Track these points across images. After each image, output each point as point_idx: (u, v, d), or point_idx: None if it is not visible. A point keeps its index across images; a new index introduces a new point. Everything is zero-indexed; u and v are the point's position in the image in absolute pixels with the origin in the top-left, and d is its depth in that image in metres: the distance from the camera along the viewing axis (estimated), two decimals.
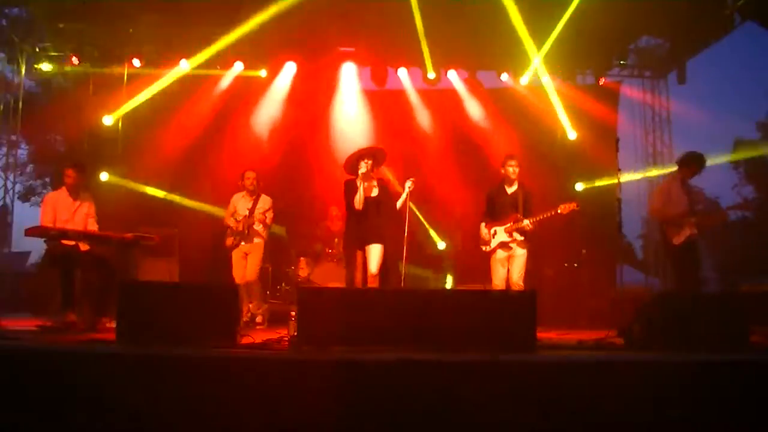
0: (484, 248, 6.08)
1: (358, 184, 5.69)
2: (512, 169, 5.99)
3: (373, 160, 5.80)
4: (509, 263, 5.94)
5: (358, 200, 5.61)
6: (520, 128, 9.89)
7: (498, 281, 5.96)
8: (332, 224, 8.57)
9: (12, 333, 4.54)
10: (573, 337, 4.98)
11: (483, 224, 6.10)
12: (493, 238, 5.98)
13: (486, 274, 6.19)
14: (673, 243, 5.98)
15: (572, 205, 5.80)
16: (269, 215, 6.79)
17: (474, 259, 6.71)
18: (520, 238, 5.91)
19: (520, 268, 5.89)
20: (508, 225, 5.90)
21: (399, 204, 5.81)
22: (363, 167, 5.70)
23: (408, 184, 5.69)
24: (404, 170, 6.57)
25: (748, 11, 8.29)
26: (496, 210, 6.06)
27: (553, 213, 5.80)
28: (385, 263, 5.63)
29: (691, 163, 6.13)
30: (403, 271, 5.80)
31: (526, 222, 5.83)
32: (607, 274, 9.03)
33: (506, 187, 6.07)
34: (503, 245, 5.93)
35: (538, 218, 5.84)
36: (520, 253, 5.91)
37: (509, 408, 3.04)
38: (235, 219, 6.76)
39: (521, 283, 5.87)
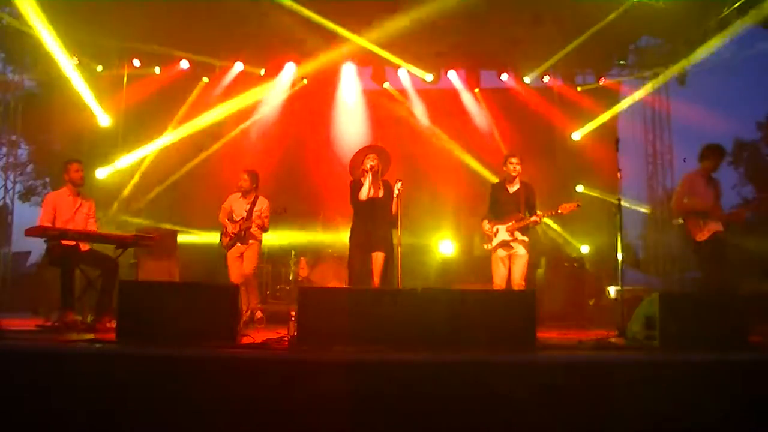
0: (485, 246, 6.07)
1: (364, 178, 5.67)
2: (513, 167, 5.98)
3: (378, 158, 5.77)
4: (510, 262, 5.93)
5: (364, 192, 5.59)
6: (521, 128, 9.92)
7: (499, 280, 5.94)
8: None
9: (12, 333, 4.54)
10: (573, 337, 4.97)
11: (485, 221, 6.09)
12: (495, 236, 5.97)
13: (486, 274, 6.18)
14: (696, 240, 5.80)
15: (572, 205, 5.80)
16: (266, 219, 6.81)
17: (474, 260, 6.72)
18: (522, 237, 5.90)
19: (522, 268, 5.89)
20: (510, 224, 5.90)
21: (393, 208, 5.73)
22: (368, 163, 5.71)
23: (397, 186, 5.59)
24: (403, 171, 6.51)
25: (748, 11, 8.29)
26: (498, 208, 6.05)
27: (553, 213, 5.83)
28: (386, 270, 5.64)
29: (710, 155, 5.99)
30: (399, 273, 5.76)
31: (530, 219, 5.84)
32: (607, 274, 9.03)
33: (508, 185, 6.05)
34: (504, 244, 5.92)
35: (536, 218, 5.85)
36: (522, 254, 5.90)
37: (509, 408, 3.04)
38: (233, 220, 6.76)
39: (522, 283, 5.86)
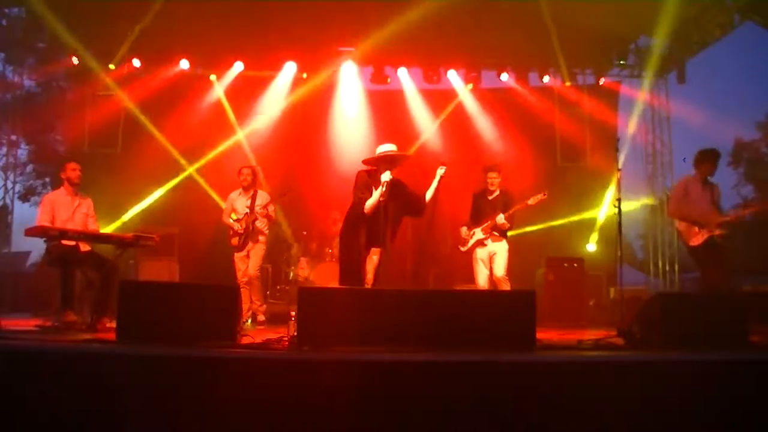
0: (461, 248, 6.23)
1: (374, 189, 5.18)
2: (491, 182, 6.13)
3: (393, 165, 5.25)
4: (491, 262, 6.00)
5: (369, 206, 5.17)
6: (520, 128, 9.93)
7: (481, 281, 6.04)
8: (333, 225, 8.60)
9: (12, 333, 4.54)
10: (573, 337, 4.97)
11: (464, 227, 6.24)
12: (471, 238, 6.09)
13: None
14: (690, 244, 5.91)
15: (540, 196, 5.93)
16: (271, 209, 6.80)
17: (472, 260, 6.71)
18: (498, 236, 6.04)
19: (503, 263, 5.97)
20: (486, 224, 6.04)
21: (429, 195, 5.34)
22: (385, 175, 5.11)
23: (440, 170, 5.26)
24: (404, 171, 6.48)
25: (748, 11, 8.30)
26: (477, 215, 6.20)
27: (523, 205, 5.95)
28: (381, 268, 5.47)
29: (705, 160, 6.03)
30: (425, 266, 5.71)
31: (499, 217, 5.91)
32: (607, 274, 9.03)
33: (487, 195, 6.20)
34: (479, 243, 6.07)
35: (510, 212, 5.95)
36: (501, 249, 5.98)
37: (509, 408, 3.04)
38: (237, 218, 6.77)
39: (506, 278, 5.91)
